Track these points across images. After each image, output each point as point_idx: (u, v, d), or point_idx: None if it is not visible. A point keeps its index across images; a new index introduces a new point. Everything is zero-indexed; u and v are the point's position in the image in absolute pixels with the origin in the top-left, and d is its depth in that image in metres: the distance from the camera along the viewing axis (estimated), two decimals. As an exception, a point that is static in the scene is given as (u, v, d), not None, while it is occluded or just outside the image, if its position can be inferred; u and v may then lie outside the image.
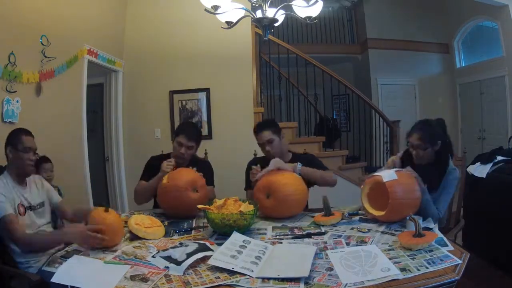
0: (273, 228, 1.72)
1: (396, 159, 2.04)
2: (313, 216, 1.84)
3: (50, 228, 1.82)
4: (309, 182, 2.11)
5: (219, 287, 1.16)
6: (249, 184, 2.18)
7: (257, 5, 2.28)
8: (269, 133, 2.15)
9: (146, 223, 1.67)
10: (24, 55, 2.43)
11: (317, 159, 2.31)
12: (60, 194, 2.24)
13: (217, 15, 2.15)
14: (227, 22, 2.28)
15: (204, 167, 2.23)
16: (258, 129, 2.21)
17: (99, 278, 1.23)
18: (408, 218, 1.55)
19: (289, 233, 1.64)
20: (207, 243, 1.46)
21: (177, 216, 1.91)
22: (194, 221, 1.87)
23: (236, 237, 1.47)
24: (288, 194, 1.83)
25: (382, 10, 6.68)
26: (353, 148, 4.97)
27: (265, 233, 1.64)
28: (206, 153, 2.79)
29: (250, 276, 1.20)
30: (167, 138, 3.85)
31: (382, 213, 1.69)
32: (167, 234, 1.67)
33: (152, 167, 2.16)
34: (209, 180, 2.19)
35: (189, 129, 2.28)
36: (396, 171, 1.78)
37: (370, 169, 4.66)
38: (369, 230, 1.61)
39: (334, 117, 6.48)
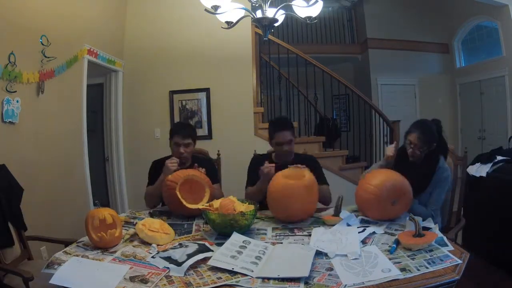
0: (273, 228, 1.71)
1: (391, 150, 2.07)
2: (313, 216, 1.83)
3: None
4: None
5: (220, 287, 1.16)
6: (252, 182, 2.14)
7: (257, 5, 2.27)
8: (290, 133, 2.15)
9: (153, 227, 1.61)
10: (24, 55, 2.43)
11: (319, 164, 2.26)
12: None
13: (217, 15, 2.14)
14: (227, 22, 2.28)
15: (206, 165, 2.20)
16: (278, 128, 2.15)
17: (99, 279, 1.23)
18: (408, 218, 1.55)
19: (289, 233, 1.64)
20: (207, 244, 1.46)
21: (182, 215, 1.91)
22: (194, 223, 1.85)
23: (236, 238, 1.47)
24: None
25: (382, 10, 6.67)
26: (353, 148, 4.96)
27: (265, 234, 1.64)
28: (219, 154, 2.72)
29: (250, 276, 1.20)
30: (167, 138, 3.85)
31: None
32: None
33: (156, 171, 2.17)
34: (213, 178, 2.17)
35: (182, 127, 2.32)
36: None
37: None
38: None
39: (334, 117, 6.47)
